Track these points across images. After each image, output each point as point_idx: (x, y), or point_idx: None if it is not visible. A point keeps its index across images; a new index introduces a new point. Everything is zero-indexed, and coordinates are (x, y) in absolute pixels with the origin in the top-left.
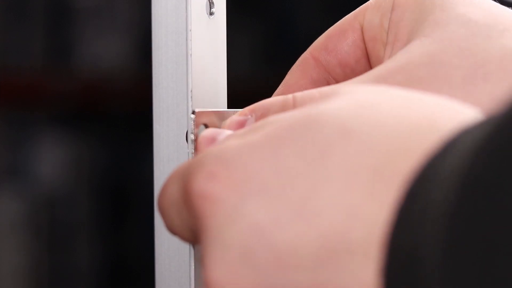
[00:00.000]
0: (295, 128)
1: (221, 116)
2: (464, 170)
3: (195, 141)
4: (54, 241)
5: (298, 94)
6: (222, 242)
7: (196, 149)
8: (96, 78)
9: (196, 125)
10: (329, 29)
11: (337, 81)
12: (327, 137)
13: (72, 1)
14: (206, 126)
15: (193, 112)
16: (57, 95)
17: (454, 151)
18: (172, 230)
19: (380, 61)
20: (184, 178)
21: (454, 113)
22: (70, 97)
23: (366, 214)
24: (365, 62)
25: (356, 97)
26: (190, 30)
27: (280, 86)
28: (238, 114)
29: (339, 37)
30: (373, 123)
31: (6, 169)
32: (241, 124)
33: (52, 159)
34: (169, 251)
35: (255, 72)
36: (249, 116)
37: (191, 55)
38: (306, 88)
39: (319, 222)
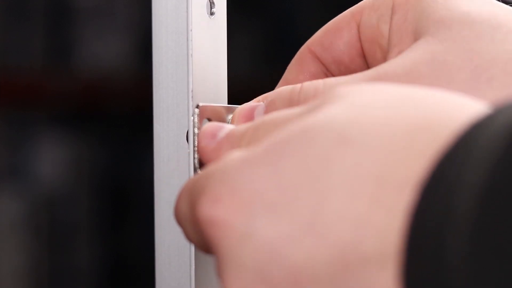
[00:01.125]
0: (292, 140)
1: (225, 111)
2: (490, 170)
3: (198, 135)
4: (54, 241)
5: (306, 84)
6: (236, 263)
7: (198, 144)
8: (96, 78)
9: (200, 119)
10: (326, 24)
11: (334, 76)
12: (325, 148)
13: (72, 1)
14: (210, 120)
15: (197, 106)
16: (57, 95)
17: (470, 148)
18: (189, 240)
19: (377, 61)
20: (191, 199)
21: (458, 108)
22: (70, 97)
23: (375, 222)
24: (360, 61)
25: (352, 99)
26: (191, 30)
27: (280, 82)
28: (252, 101)
29: (335, 34)
30: (370, 128)
31: (6, 169)
32: (249, 115)
33: (52, 159)
34: (169, 251)
35: (255, 72)
36: (261, 103)
37: (191, 55)
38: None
39: (329, 236)
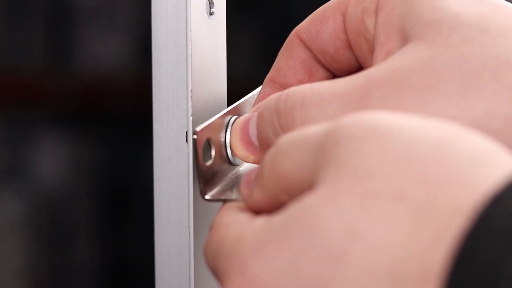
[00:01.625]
0: (299, 229)
1: (220, 122)
2: None
3: (198, 160)
4: (54, 241)
5: (291, 92)
6: None
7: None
8: (96, 78)
9: (199, 143)
10: (314, 11)
11: (321, 64)
12: (336, 241)
13: (72, 1)
14: (209, 140)
15: (195, 133)
16: (57, 95)
17: (500, 235)
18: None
19: (363, 53)
20: (214, 267)
21: (471, 174)
22: (70, 97)
23: None
24: (345, 52)
25: (357, 168)
26: (190, 30)
27: (270, 71)
28: (247, 113)
29: (321, 24)
30: (378, 218)
31: (6, 169)
32: (244, 129)
33: (52, 159)
34: (169, 251)
35: (254, 72)
36: (254, 114)
37: (191, 55)
38: (295, 69)
39: None
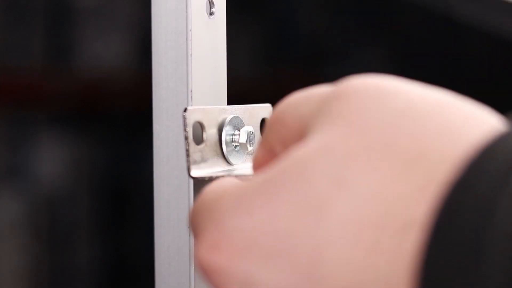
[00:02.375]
0: (288, 180)
1: (215, 113)
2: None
3: (187, 139)
4: (54, 241)
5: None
6: None
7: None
8: (96, 78)
9: (188, 123)
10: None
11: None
12: (322, 192)
13: (72, 1)
14: (201, 123)
15: (185, 110)
16: (57, 95)
17: (488, 185)
18: None
19: None
20: (193, 228)
21: (462, 125)
22: (70, 97)
23: (377, 268)
24: None
25: (350, 120)
26: (190, 30)
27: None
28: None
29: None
30: (366, 166)
31: (6, 169)
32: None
33: (52, 159)
34: (169, 251)
35: (255, 72)
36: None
37: (191, 55)
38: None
39: (329, 284)
